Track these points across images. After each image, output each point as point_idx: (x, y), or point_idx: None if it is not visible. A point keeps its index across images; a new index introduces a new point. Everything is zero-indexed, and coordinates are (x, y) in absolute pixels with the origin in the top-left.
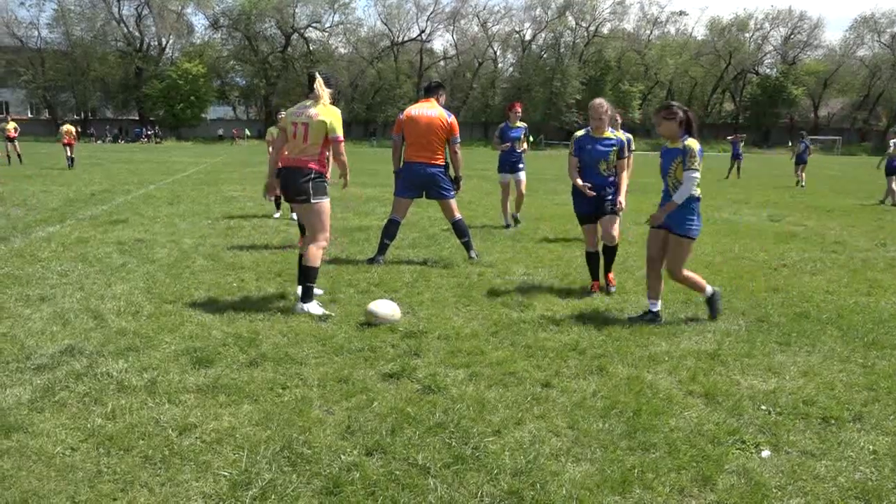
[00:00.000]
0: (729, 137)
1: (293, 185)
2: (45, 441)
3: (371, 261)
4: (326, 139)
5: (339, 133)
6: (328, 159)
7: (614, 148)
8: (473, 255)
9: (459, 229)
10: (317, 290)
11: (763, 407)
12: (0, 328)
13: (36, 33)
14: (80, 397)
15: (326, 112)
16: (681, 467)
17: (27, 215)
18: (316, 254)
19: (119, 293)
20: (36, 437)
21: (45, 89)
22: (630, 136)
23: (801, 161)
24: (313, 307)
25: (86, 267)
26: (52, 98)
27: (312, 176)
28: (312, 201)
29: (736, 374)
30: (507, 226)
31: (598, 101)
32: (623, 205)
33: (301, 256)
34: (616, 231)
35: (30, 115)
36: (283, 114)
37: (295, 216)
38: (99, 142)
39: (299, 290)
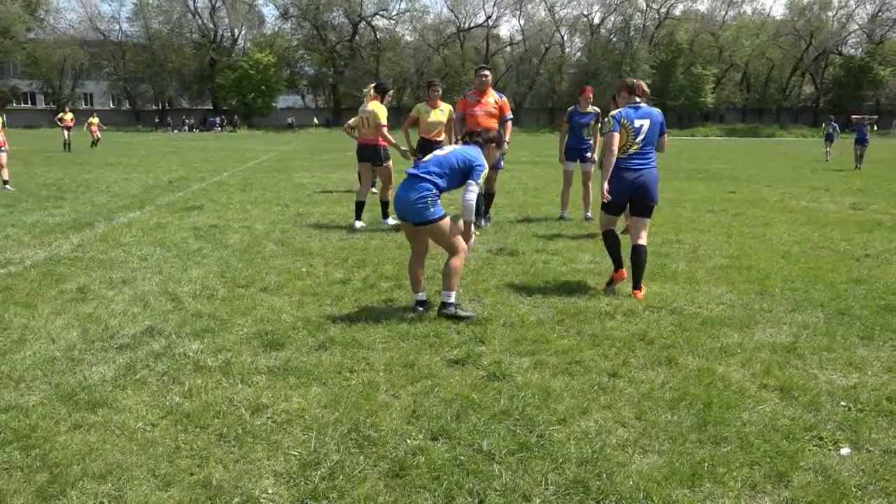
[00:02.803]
0: (854, 117)
1: (371, 154)
2: (127, 416)
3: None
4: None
5: (381, 121)
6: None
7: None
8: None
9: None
10: (391, 221)
11: (843, 403)
12: (86, 309)
13: (117, 27)
14: (160, 376)
15: (376, 107)
16: (753, 462)
17: (110, 202)
18: (389, 191)
19: (195, 277)
20: (119, 412)
21: (126, 81)
22: (597, 109)
23: (829, 139)
24: (391, 220)
25: (164, 251)
26: (132, 89)
27: (380, 148)
28: (383, 164)
29: (813, 369)
30: (562, 218)
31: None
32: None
33: (357, 200)
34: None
35: (112, 106)
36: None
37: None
38: (175, 131)
39: (387, 217)
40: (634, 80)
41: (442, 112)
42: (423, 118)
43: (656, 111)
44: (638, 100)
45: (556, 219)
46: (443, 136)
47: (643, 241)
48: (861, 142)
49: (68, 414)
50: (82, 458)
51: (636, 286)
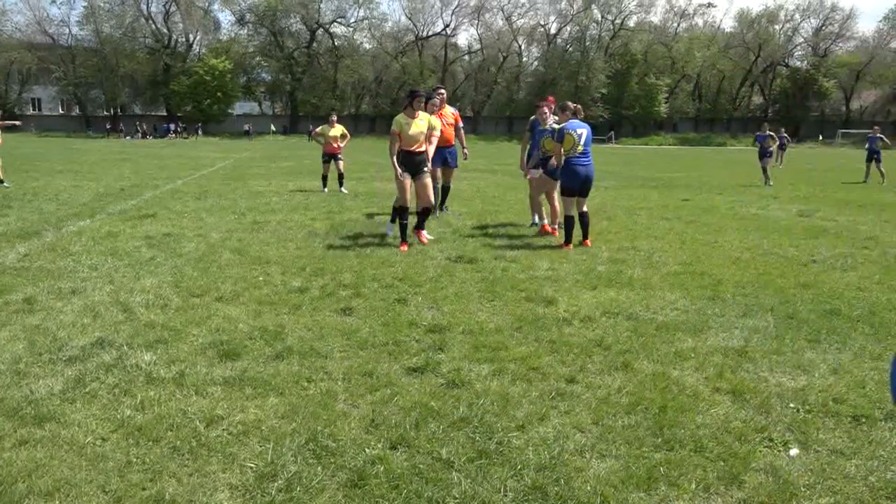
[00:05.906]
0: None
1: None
2: (76, 431)
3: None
4: None
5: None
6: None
7: None
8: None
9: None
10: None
11: (792, 405)
12: (33, 320)
13: (67, 31)
14: (111, 388)
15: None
16: (707, 465)
17: (59, 210)
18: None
19: (148, 286)
20: (68, 426)
21: (76, 86)
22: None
23: (782, 148)
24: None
25: (115, 261)
26: (82, 95)
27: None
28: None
29: (764, 372)
30: (534, 224)
31: None
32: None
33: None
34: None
35: (61, 112)
36: None
37: (344, 190)
38: (128, 138)
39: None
40: (575, 105)
41: (422, 122)
42: (404, 131)
43: (587, 125)
44: (576, 118)
45: (526, 225)
46: (423, 147)
47: (585, 208)
48: (874, 155)
49: (13, 429)
50: (28, 475)
51: (585, 237)
